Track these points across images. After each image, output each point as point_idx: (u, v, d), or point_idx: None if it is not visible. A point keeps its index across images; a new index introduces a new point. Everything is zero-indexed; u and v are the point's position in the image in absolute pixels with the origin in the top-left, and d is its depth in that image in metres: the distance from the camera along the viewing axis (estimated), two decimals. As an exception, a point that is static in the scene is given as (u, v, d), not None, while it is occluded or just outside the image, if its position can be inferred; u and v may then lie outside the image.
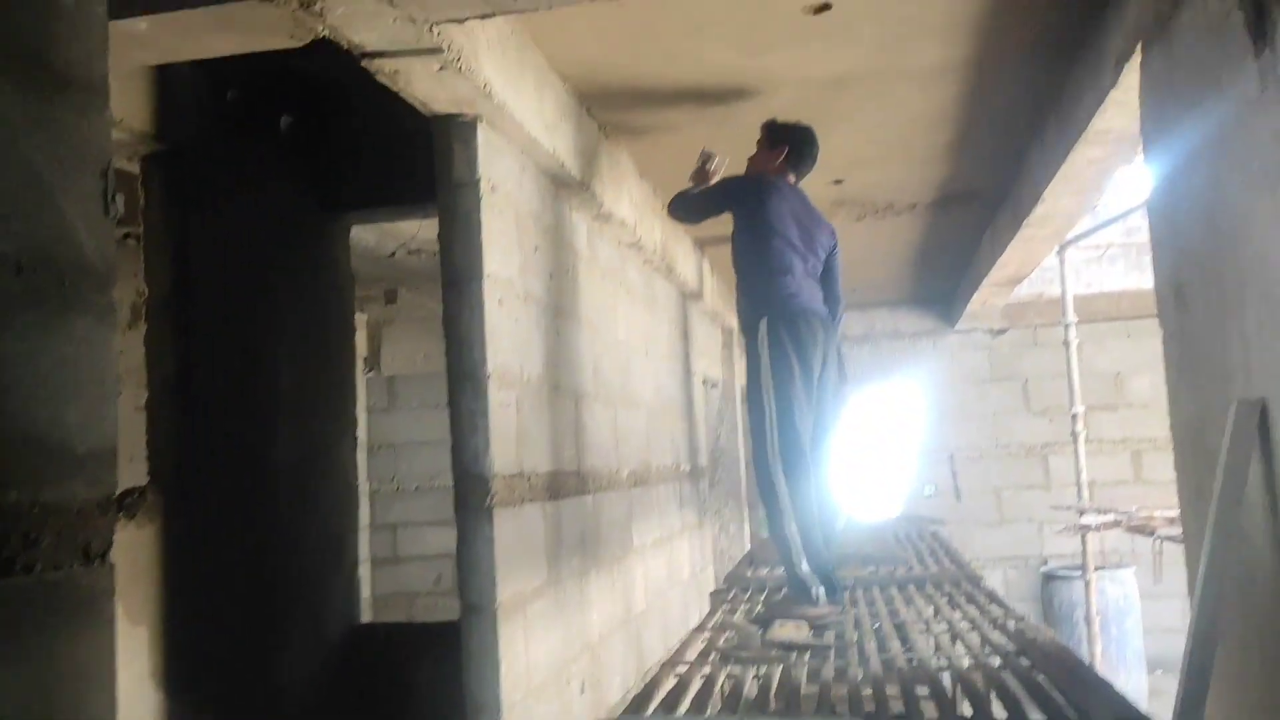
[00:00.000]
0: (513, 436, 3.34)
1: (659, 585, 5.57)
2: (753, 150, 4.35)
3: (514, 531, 3.28)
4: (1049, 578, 8.68)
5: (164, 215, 3.21)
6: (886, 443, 10.02)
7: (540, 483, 3.59)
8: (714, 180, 4.21)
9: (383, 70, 2.79)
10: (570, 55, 3.57)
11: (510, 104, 3.20)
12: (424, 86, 2.93)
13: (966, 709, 2.37)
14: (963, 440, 9.62)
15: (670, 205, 4.28)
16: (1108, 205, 7.21)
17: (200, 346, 3.38)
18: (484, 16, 2.52)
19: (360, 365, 8.47)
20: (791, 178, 4.25)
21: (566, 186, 3.98)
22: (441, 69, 2.78)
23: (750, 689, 2.61)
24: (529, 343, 3.55)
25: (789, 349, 3.85)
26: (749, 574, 4.67)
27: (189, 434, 3.28)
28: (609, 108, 4.12)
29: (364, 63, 2.73)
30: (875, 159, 5.07)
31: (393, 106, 3.11)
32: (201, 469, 3.30)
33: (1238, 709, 2.47)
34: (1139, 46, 2.84)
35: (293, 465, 3.82)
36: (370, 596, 8.31)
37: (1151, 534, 5.29)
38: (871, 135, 4.66)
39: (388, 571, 8.40)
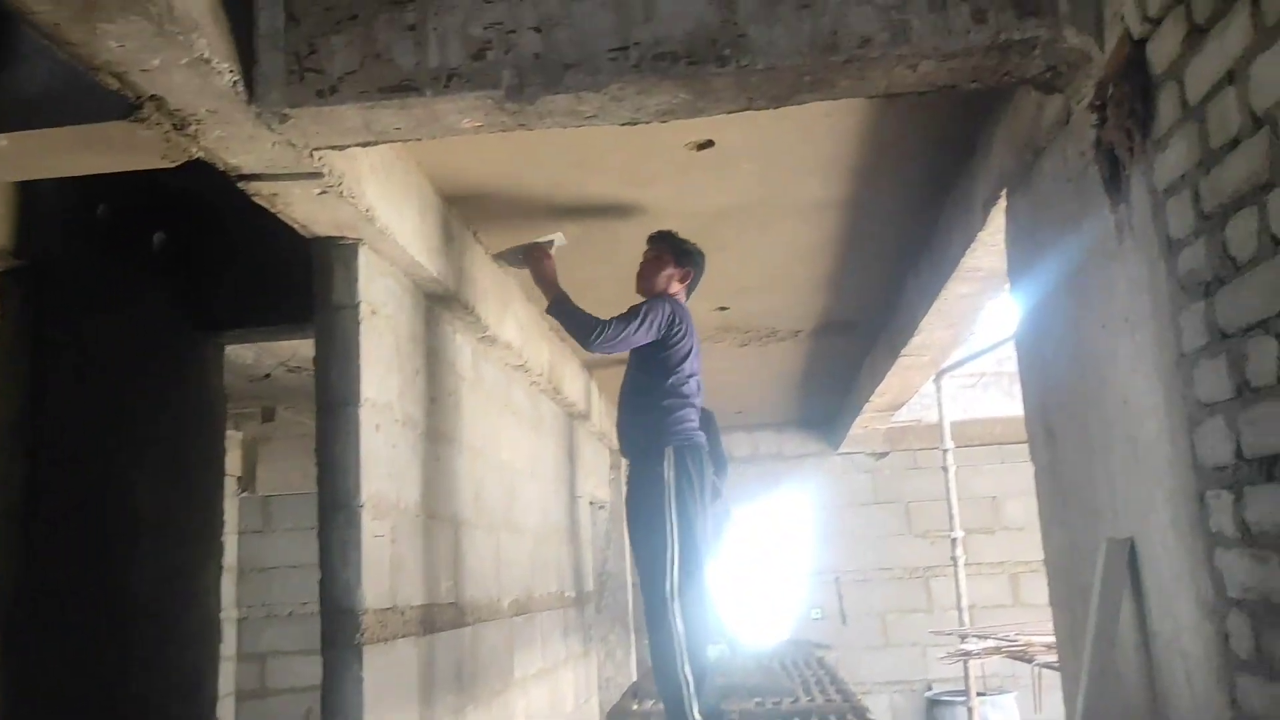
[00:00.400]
0: (386, 569, 3.20)
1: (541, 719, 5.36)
2: (636, 264, 4.05)
3: (385, 669, 3.12)
4: (933, 703, 8.68)
5: (18, 332, 3.04)
6: (774, 566, 10.00)
7: (415, 616, 3.44)
8: (553, 267, 3.85)
9: (261, 193, 2.74)
10: (455, 180, 3.58)
11: (393, 227, 3.17)
12: (304, 209, 2.88)
13: None
14: (848, 563, 9.67)
15: (594, 341, 3.67)
16: (981, 335, 7.50)
17: (52, 470, 3.17)
18: (365, 144, 2.50)
19: (234, 485, 8.14)
20: (683, 299, 4.04)
21: (450, 309, 3.94)
22: (323, 193, 2.74)
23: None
24: (406, 469, 3.44)
25: (694, 479, 3.70)
26: (634, 707, 4.52)
27: (33, 564, 3.05)
28: (495, 231, 4.12)
29: (241, 184, 2.68)
30: (759, 287, 5.17)
31: (271, 224, 3.05)
32: (47, 601, 3.06)
33: None
34: (1004, 192, 2.98)
35: (151, 593, 3.58)
36: (235, 733, 7.81)
37: (1030, 661, 5.33)
38: (755, 264, 4.77)
39: (254, 705, 7.91)
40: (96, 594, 3.31)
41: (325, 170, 2.62)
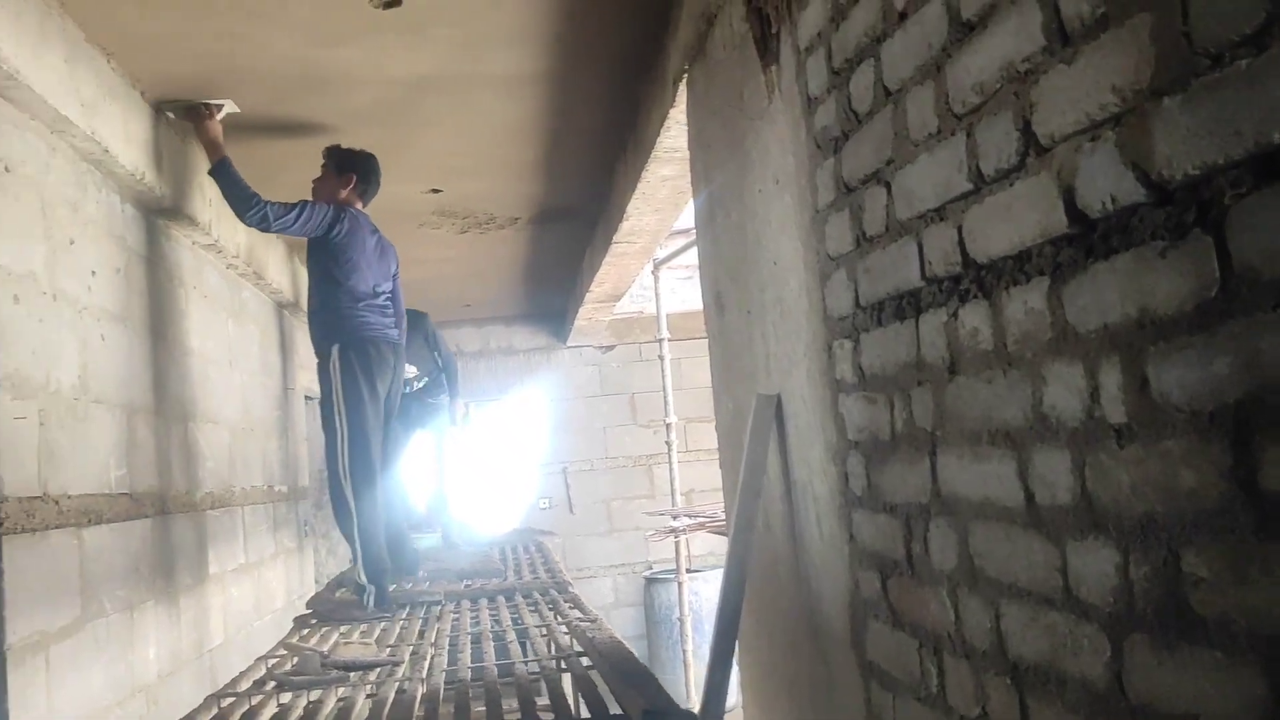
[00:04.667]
0: (33, 454, 2.91)
1: (243, 615, 5.16)
2: (317, 173, 4.30)
3: (33, 562, 2.86)
4: (650, 581, 9.09)
5: None
6: (504, 458, 10.07)
7: (75, 506, 3.17)
8: (218, 131, 3.87)
9: None
10: (113, 28, 3.21)
11: (30, 75, 2.81)
12: (-94, 43, 2.49)
13: (515, 709, 2.34)
14: (576, 454, 9.87)
15: (248, 216, 3.92)
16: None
17: None
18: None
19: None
20: (359, 204, 4.32)
21: (115, 175, 3.58)
22: (-76, 22, 2.37)
23: (295, 717, 2.42)
24: (59, 347, 3.13)
25: (358, 374, 4.07)
26: (335, 595, 4.43)
27: None
28: (173, 93, 3.76)
29: None
30: (470, 169, 5.04)
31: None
32: None
33: (763, 681, 2.63)
34: (687, 66, 2.99)
35: None
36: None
37: (731, 534, 5.64)
38: (461, 143, 4.62)
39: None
40: None
41: (-80, -7, 2.26)
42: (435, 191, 5.38)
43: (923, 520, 1.61)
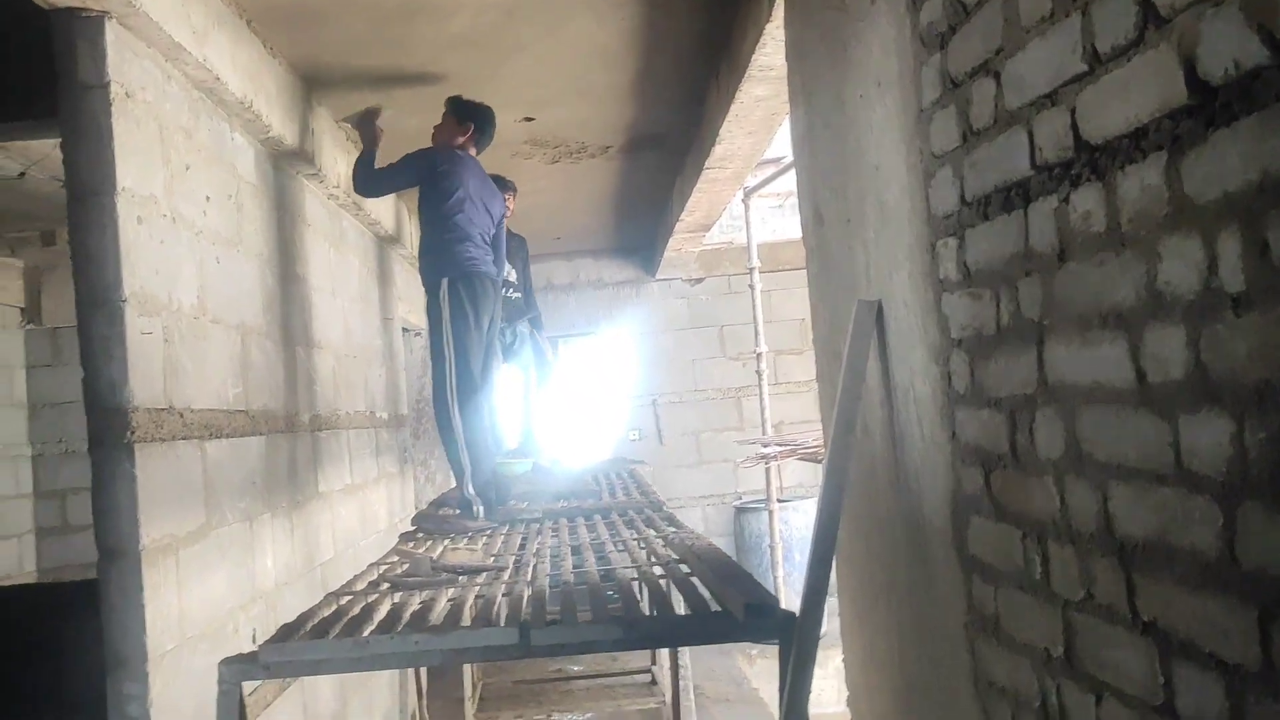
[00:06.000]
0: (159, 368, 3.07)
1: (350, 534, 5.38)
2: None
3: (162, 470, 3.03)
4: (740, 511, 9.18)
5: None
6: (594, 391, 10.20)
7: (197, 420, 3.34)
8: (379, 133, 4.63)
9: (-24, -54, 2.45)
10: (220, -44, 3.30)
11: (145, 1, 2.91)
12: (34, -30, 2.60)
13: (620, 609, 2.42)
14: (665, 386, 9.95)
15: (356, 184, 4.63)
16: (787, 154, 7.62)
17: None
18: (88, -116, 2.24)
19: (18, 317, 7.64)
20: (473, 151, 4.63)
21: (224, 104, 3.70)
22: (49, -52, 2.48)
23: (411, 611, 2.54)
24: (179, 268, 3.27)
25: (466, 305, 4.38)
26: (440, 513, 4.60)
27: None
28: (272, 21, 3.86)
29: (-49, -65, 2.39)
30: (562, 96, 5.06)
31: (17, 4, 2.76)
32: None
33: (860, 590, 2.67)
34: (784, -24, 2.97)
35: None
36: (36, 570, 7.57)
37: (822, 461, 5.66)
38: (555, 68, 4.65)
39: (56, 542, 7.66)
40: None
41: (48, -80, 2.36)
42: (528, 120, 5.43)
43: (1028, 411, 1.62)
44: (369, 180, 4.56)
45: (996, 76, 1.62)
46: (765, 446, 6.62)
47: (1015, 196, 1.59)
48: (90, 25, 2.86)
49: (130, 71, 3.01)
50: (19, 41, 3.42)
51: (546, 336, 6.81)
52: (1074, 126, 1.40)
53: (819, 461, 5.84)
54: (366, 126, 4.66)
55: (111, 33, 2.89)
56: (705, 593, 2.49)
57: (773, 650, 2.24)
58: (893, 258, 2.19)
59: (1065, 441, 1.51)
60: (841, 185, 2.54)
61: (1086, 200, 1.39)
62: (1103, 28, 1.31)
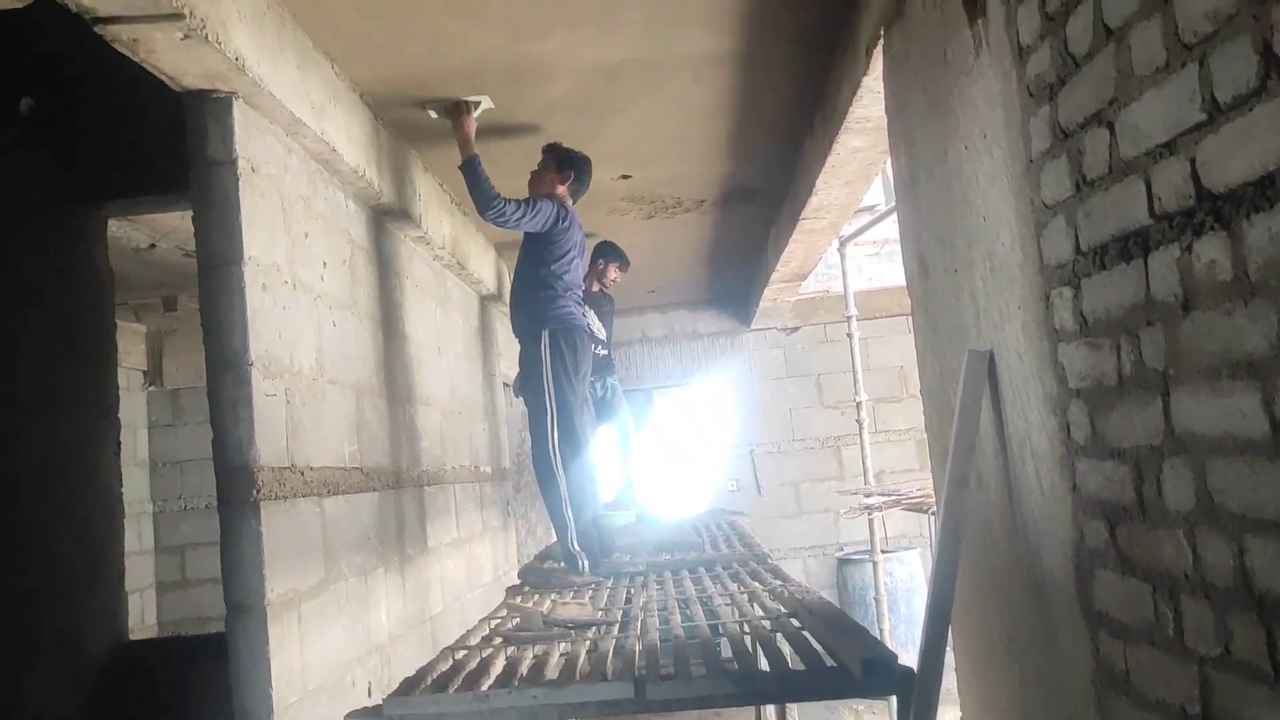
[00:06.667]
0: (282, 428, 3.20)
1: (458, 587, 5.47)
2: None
3: (285, 526, 3.15)
4: (843, 562, 9.04)
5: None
6: (693, 441, 10.21)
7: (316, 477, 3.46)
8: (472, 127, 4.19)
9: (120, 38, 2.63)
10: (335, 35, 3.48)
11: (270, 81, 3.08)
12: (170, 58, 2.77)
13: (733, 664, 2.42)
14: (762, 436, 9.91)
15: (483, 208, 4.23)
16: (882, 203, 7.60)
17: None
18: (223, -22, 2.40)
19: (141, 379, 8.00)
20: (570, 201, 4.62)
21: (339, 173, 3.87)
22: (186, 38, 2.64)
23: (526, 665, 2.58)
24: (300, 332, 3.42)
25: (566, 358, 4.41)
26: (545, 567, 4.65)
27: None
28: (386, 95, 4.03)
29: (98, 29, 2.56)
30: (659, 154, 5.16)
31: (147, 89, 2.95)
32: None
33: (978, 644, 2.62)
34: (882, 31, 3.00)
35: (42, 466, 3.54)
36: (156, 623, 7.84)
37: (927, 511, 5.57)
38: (652, 128, 4.74)
39: (176, 596, 7.94)
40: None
41: (185, 11, 2.52)
42: (625, 177, 5.53)
43: (1154, 462, 1.60)
44: (497, 205, 4.19)
45: (1110, 126, 1.62)
46: (868, 497, 6.54)
47: (1134, 245, 1.58)
48: (219, 105, 3.04)
49: (255, 147, 3.18)
50: (147, 122, 3.65)
51: (644, 389, 6.87)
52: (1194, 175, 1.39)
53: (924, 512, 5.75)
54: (456, 119, 4.16)
55: (239, 112, 3.07)
56: (818, 647, 2.48)
57: (880, 705, 2.22)
58: (1004, 307, 2.18)
59: (1196, 493, 1.48)
60: (947, 235, 2.54)
61: (1211, 249, 1.37)
62: (1221, 77, 1.30)
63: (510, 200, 4.26)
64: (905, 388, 9.70)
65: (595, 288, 6.21)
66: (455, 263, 5.68)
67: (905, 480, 8.91)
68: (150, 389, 8.08)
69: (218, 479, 3.00)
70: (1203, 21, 1.33)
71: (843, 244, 6.91)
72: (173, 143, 3.25)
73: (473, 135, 4.17)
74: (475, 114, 4.17)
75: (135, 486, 7.91)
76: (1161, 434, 1.57)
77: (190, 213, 3.15)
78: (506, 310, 7.56)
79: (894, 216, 6.53)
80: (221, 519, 2.99)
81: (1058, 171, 1.82)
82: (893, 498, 6.09)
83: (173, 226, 4.88)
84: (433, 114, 4.20)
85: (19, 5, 2.38)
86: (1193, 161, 1.39)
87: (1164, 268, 1.50)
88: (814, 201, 5.08)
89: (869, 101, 3.61)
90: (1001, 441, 2.28)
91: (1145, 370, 1.59)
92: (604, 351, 6.43)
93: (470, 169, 4.16)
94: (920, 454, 9.67)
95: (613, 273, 6.21)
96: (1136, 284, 1.59)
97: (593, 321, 5.91)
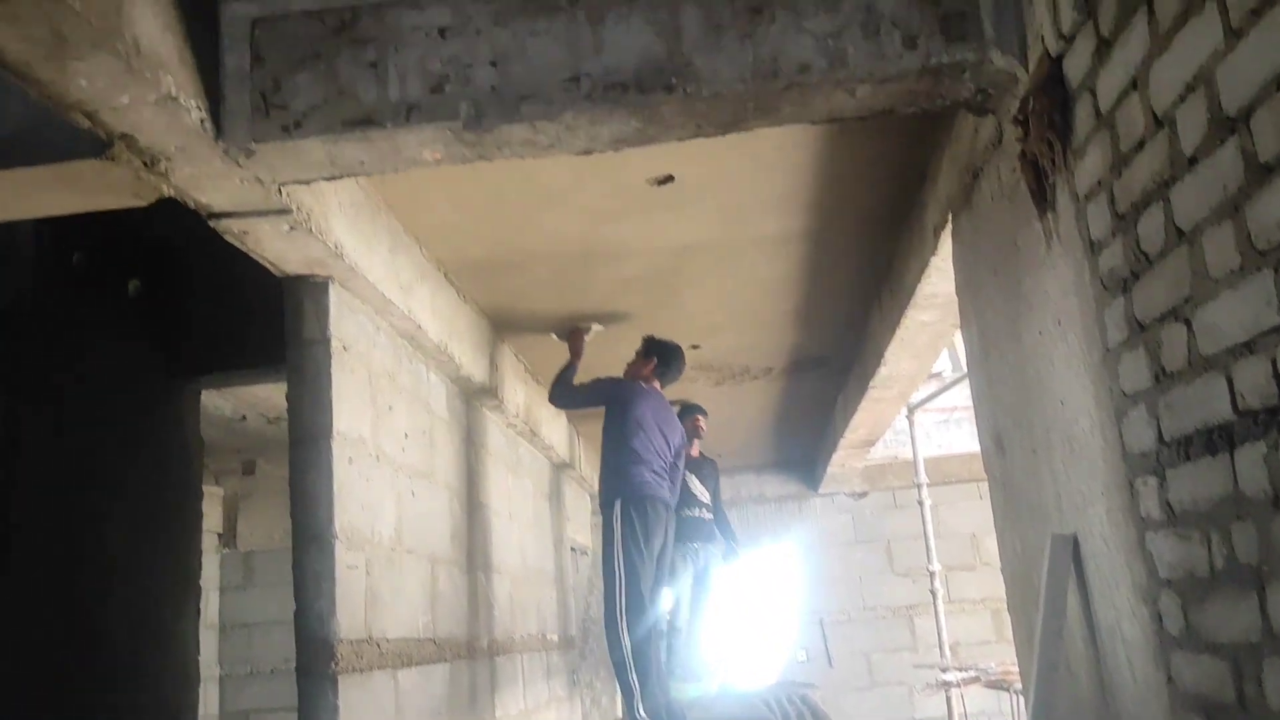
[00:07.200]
0: (361, 600, 3.24)
1: (522, 762, 5.35)
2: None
3: (360, 699, 3.15)
4: (920, 740, 8.65)
5: (-7, 376, 3.11)
6: (761, 609, 9.99)
7: (391, 649, 3.47)
8: (582, 347, 4.89)
9: (231, 230, 2.82)
10: (425, 221, 3.68)
11: (363, 265, 3.26)
12: (274, 247, 2.96)
13: None
14: (831, 604, 9.67)
15: (552, 394, 4.91)
16: (950, 371, 7.62)
17: (24, 516, 3.22)
18: (331, 178, 2.59)
19: (215, 541, 8.13)
20: (657, 384, 4.93)
21: (422, 348, 4.02)
22: (291, 229, 2.83)
23: None
24: (380, 503, 3.50)
25: (637, 527, 4.51)
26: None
27: (4, 612, 3.09)
28: (466, 271, 4.22)
29: (211, 223, 2.76)
30: (728, 324, 5.28)
31: (244, 269, 3.14)
32: (19, 649, 3.09)
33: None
34: (949, 216, 3.10)
35: (126, 637, 3.60)
36: (222, 792, 7.71)
37: (1009, 689, 5.37)
38: (722, 301, 4.88)
39: (239, 762, 7.84)
40: (68, 641, 3.33)
41: (293, 206, 2.71)
42: (694, 348, 5.64)
43: (1254, 659, 1.56)
44: (565, 393, 4.86)
45: (1187, 323, 1.65)
46: (944, 671, 6.31)
47: (1218, 439, 1.60)
48: (317, 289, 3.21)
49: (347, 326, 3.34)
50: (242, 301, 3.86)
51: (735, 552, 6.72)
52: (1276, 375, 1.42)
53: (1005, 689, 5.53)
54: (575, 340, 4.96)
55: (334, 294, 3.24)
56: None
57: None
58: (1086, 491, 2.18)
59: (1302, 695, 1.45)
60: (1024, 415, 2.56)
61: (1299, 448, 1.38)
62: (1297, 283, 1.34)
63: (575, 389, 4.84)
64: (978, 555, 9.46)
65: (696, 450, 6.23)
66: (528, 430, 5.78)
67: (982, 653, 8.59)
68: (224, 551, 8.19)
69: (298, 649, 3.03)
70: (1275, 230, 1.38)
71: (911, 411, 6.91)
72: (266, 320, 3.44)
73: (582, 352, 4.90)
74: (589, 336, 4.93)
75: (205, 649, 7.85)
76: (1260, 630, 1.54)
77: (276, 384, 3.31)
78: (576, 475, 7.68)
79: (962, 384, 6.54)
80: (300, 690, 3.00)
81: (1136, 362, 1.85)
82: (971, 674, 5.88)
83: (260, 398, 5.07)
84: (555, 336, 5.00)
85: (143, 203, 2.58)
86: (1273, 361, 1.42)
87: (1251, 464, 1.51)
88: (883, 372, 5.13)
89: (937, 279, 3.68)
90: (1090, 628, 2.24)
91: (1238, 565, 1.58)
92: (708, 515, 6.37)
93: (566, 371, 4.85)
94: (996, 625, 9.34)
95: (700, 422, 6.24)
96: (1224, 478, 1.59)
97: (693, 485, 6.14)
